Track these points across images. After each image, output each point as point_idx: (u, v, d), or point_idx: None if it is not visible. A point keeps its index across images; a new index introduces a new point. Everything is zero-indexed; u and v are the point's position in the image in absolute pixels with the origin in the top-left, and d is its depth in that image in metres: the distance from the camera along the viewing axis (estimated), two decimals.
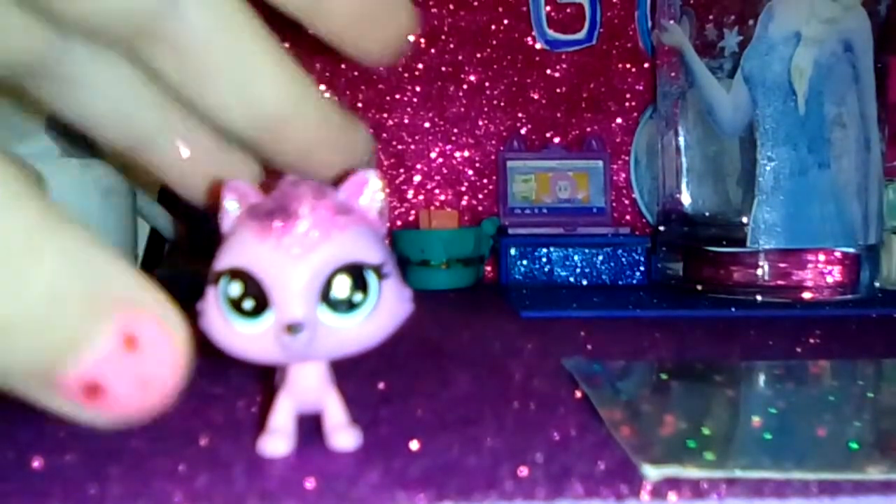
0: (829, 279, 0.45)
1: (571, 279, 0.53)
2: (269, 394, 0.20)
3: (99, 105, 0.21)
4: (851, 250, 0.45)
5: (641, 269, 0.53)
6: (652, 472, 0.17)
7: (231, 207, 0.19)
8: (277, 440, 0.18)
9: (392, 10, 0.22)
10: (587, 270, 0.53)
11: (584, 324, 0.37)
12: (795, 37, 0.43)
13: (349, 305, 0.17)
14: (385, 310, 0.18)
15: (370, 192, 0.19)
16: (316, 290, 0.17)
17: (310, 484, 0.17)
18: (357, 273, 0.17)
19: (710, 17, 0.46)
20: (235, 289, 0.17)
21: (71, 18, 0.18)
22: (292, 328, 0.17)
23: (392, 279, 0.18)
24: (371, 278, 0.18)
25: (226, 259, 0.18)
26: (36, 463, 0.18)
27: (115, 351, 0.14)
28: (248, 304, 0.17)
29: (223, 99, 0.20)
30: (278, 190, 0.18)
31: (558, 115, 0.60)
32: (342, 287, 0.17)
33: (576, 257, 0.53)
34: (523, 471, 0.17)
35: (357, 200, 0.19)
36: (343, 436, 0.19)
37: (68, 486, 0.17)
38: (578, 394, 0.24)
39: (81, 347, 0.14)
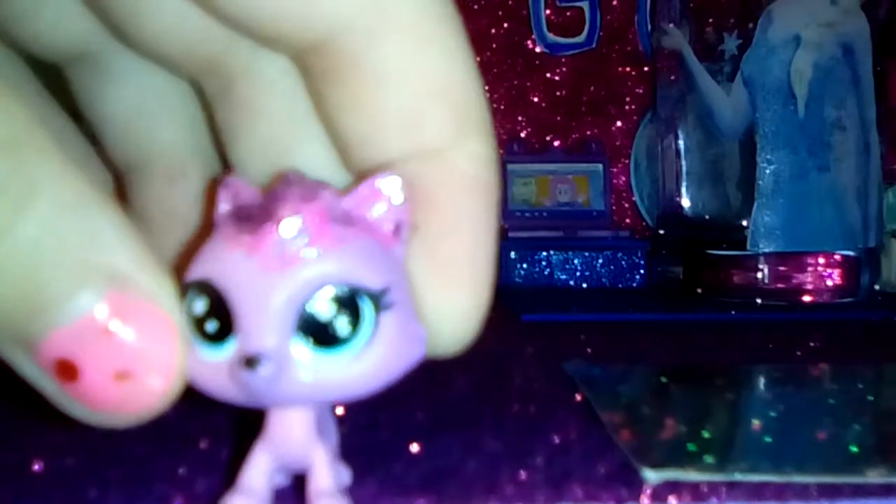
0: (829, 282, 0.45)
1: (571, 282, 0.53)
2: None
3: (121, 112, 0.19)
4: (851, 253, 0.45)
5: (641, 272, 0.53)
6: (652, 476, 0.17)
7: (222, 208, 0.15)
8: (244, 500, 0.14)
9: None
10: (587, 273, 0.53)
11: (584, 327, 0.37)
12: (795, 40, 0.43)
13: (333, 340, 0.14)
14: (382, 349, 0.14)
15: (387, 201, 0.15)
16: (291, 316, 0.13)
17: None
18: (348, 299, 0.14)
19: (710, 20, 0.46)
20: (200, 305, 0.14)
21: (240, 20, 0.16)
22: (250, 361, 0.13)
23: (398, 312, 0.14)
24: (366, 307, 0.14)
25: (194, 269, 0.14)
26: (36, 466, 0.18)
27: (93, 330, 0.13)
28: (212, 325, 0.14)
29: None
30: (269, 189, 0.14)
31: (558, 118, 0.60)
32: (325, 315, 0.13)
33: (576, 260, 0.53)
34: (523, 475, 0.17)
35: (367, 210, 0.15)
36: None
37: (69, 490, 0.17)
38: (578, 397, 0.24)
39: (58, 316, 0.13)
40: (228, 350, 0.14)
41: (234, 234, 0.14)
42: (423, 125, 0.16)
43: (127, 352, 0.13)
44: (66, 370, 0.13)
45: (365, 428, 0.20)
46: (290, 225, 0.13)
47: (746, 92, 0.44)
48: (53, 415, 0.18)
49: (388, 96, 0.16)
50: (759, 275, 0.45)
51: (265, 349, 0.13)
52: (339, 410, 0.22)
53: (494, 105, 0.59)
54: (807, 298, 0.44)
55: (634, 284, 0.53)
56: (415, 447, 0.19)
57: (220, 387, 0.14)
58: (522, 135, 0.59)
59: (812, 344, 0.33)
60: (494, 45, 0.59)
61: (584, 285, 0.53)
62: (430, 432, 0.20)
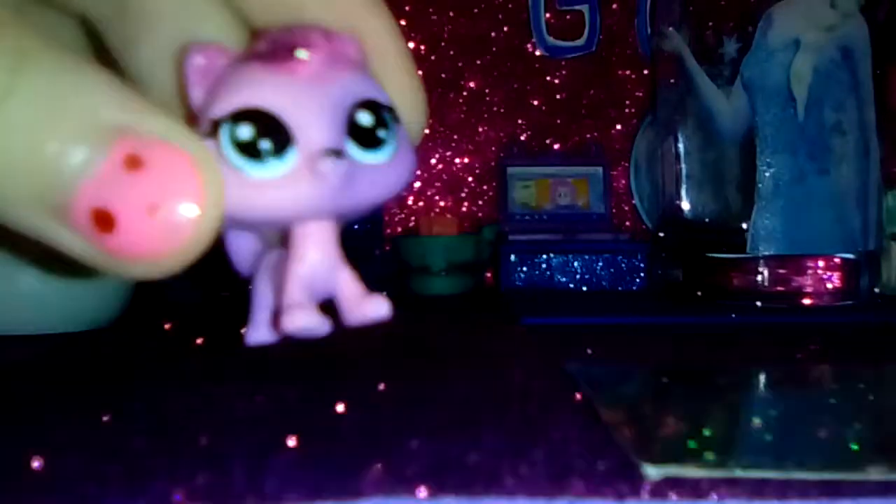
0: (829, 285, 0.45)
1: (571, 285, 0.53)
2: (271, 392, 0.20)
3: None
4: (851, 256, 0.45)
5: (641, 275, 0.53)
6: (652, 472, 0.17)
7: (202, 64, 0.16)
8: (306, 313, 0.16)
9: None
10: (587, 276, 0.53)
11: (585, 330, 0.37)
12: (794, 44, 0.43)
13: (376, 142, 0.16)
14: (403, 154, 0.17)
15: (355, 50, 0.17)
16: (342, 121, 0.16)
17: (309, 483, 0.17)
18: (378, 110, 0.16)
19: (710, 24, 0.46)
20: (245, 131, 0.15)
21: None
22: (334, 152, 0.15)
23: (402, 126, 0.17)
24: (389, 118, 0.16)
25: (224, 103, 0.15)
26: (36, 463, 0.18)
27: (117, 172, 0.13)
28: (268, 142, 0.15)
29: None
30: (267, 38, 0.16)
31: (558, 121, 0.60)
32: (366, 120, 0.16)
33: (576, 263, 0.53)
34: (524, 469, 0.17)
35: (353, 50, 0.17)
36: (372, 304, 0.17)
37: (68, 487, 0.17)
38: (579, 396, 0.24)
39: (80, 169, 0.13)
40: (290, 160, 0.15)
41: (268, 64, 0.15)
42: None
43: (153, 185, 0.14)
44: (103, 219, 0.14)
45: (366, 425, 0.20)
46: (322, 48, 0.15)
47: (746, 95, 0.44)
48: (53, 411, 0.18)
49: None
50: (759, 278, 0.45)
51: (337, 144, 0.15)
52: (340, 409, 0.22)
53: (494, 108, 0.60)
54: (806, 301, 0.44)
55: (634, 287, 0.53)
56: (415, 443, 0.19)
57: (288, 195, 0.15)
58: (522, 138, 0.60)
59: (812, 347, 0.33)
60: (494, 49, 0.59)
61: (584, 288, 0.53)
62: (431, 431, 0.20)
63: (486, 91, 0.59)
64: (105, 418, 0.21)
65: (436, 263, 0.52)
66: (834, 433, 0.20)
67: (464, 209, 0.60)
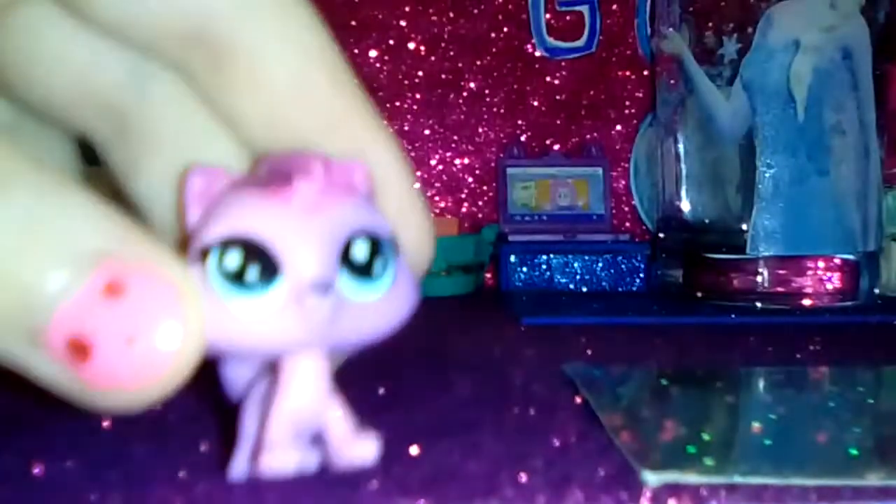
0: (829, 286, 0.45)
1: (571, 286, 0.53)
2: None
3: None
4: (851, 257, 0.45)
5: (641, 275, 0.53)
6: (652, 478, 0.17)
7: (201, 189, 0.16)
8: (285, 453, 0.15)
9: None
10: (587, 277, 0.53)
11: (584, 330, 0.37)
12: (794, 44, 0.43)
13: (371, 277, 0.15)
14: (402, 289, 0.16)
15: (359, 179, 0.17)
16: (336, 252, 0.15)
17: (309, 491, 0.17)
18: (376, 243, 0.15)
19: (710, 24, 0.46)
20: (233, 259, 0.14)
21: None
22: (321, 286, 0.14)
23: (403, 259, 0.16)
24: (388, 250, 0.16)
25: (214, 230, 0.15)
26: (36, 469, 0.18)
27: (95, 298, 0.13)
28: (254, 273, 0.14)
29: None
30: (266, 164, 0.16)
31: (558, 122, 0.60)
32: (362, 252, 0.15)
33: (576, 264, 0.53)
34: (523, 477, 0.17)
35: (353, 178, 0.16)
36: (361, 446, 0.16)
37: (69, 493, 0.17)
38: (578, 399, 0.24)
39: (58, 294, 0.13)
40: (277, 292, 0.14)
41: (263, 192, 0.15)
42: (311, 92, 0.17)
43: (132, 314, 0.13)
44: (78, 349, 0.13)
45: (366, 430, 0.20)
46: (321, 176, 0.15)
47: (746, 96, 0.44)
48: (53, 417, 0.18)
49: (273, 70, 0.17)
50: (759, 278, 0.45)
51: (327, 277, 0.14)
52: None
53: (494, 109, 0.60)
54: (806, 302, 0.44)
55: (634, 288, 0.53)
56: (415, 449, 0.19)
57: (272, 328, 0.15)
58: (522, 139, 0.60)
59: (812, 347, 0.33)
60: (494, 49, 0.59)
61: (584, 289, 0.53)
62: (430, 435, 0.20)
63: (486, 92, 0.59)
64: (105, 424, 0.21)
65: (436, 264, 0.51)
66: (833, 438, 0.20)
67: (463, 210, 0.60)
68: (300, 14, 0.17)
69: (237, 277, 0.14)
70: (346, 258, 0.15)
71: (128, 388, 0.14)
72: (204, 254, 0.15)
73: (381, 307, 0.16)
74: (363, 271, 0.15)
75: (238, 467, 0.17)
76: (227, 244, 0.15)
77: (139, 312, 0.13)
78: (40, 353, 0.13)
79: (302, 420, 0.16)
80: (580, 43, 0.59)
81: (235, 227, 0.15)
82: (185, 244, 0.15)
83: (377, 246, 0.15)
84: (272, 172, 0.15)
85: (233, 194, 0.15)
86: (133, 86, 0.18)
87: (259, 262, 0.14)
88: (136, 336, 0.13)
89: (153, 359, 0.13)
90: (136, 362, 0.13)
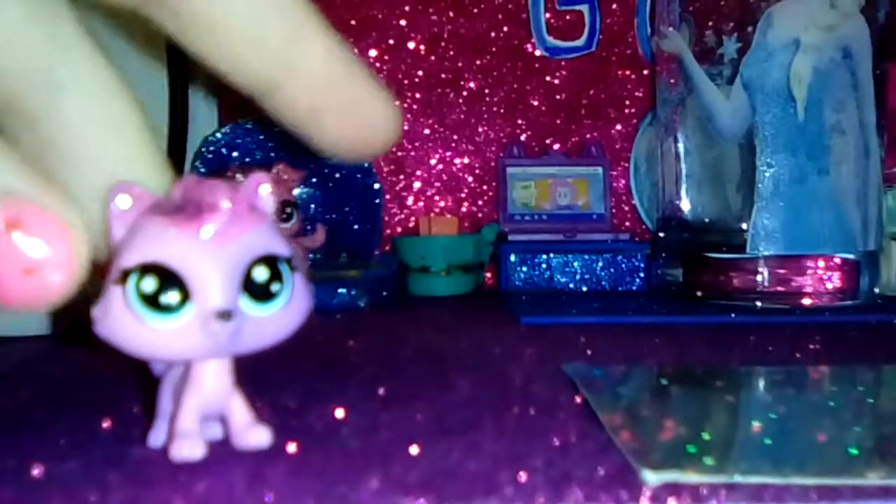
0: (829, 285, 0.45)
1: (571, 285, 0.53)
2: (270, 397, 0.20)
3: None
4: (851, 256, 0.45)
5: (641, 275, 0.53)
6: (651, 478, 0.17)
7: (124, 208, 0.18)
8: (192, 444, 0.18)
9: (364, 106, 0.20)
10: (587, 277, 0.53)
11: (584, 330, 0.37)
12: (794, 44, 0.43)
13: (269, 296, 0.18)
14: (297, 301, 0.18)
15: (265, 193, 0.19)
16: (238, 279, 0.17)
17: (310, 489, 0.17)
18: (273, 264, 0.18)
19: (710, 23, 0.46)
20: (149, 284, 0.17)
21: None
22: (223, 315, 0.17)
23: (299, 273, 0.19)
24: (285, 269, 0.18)
25: (134, 254, 0.17)
26: (36, 471, 0.18)
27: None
28: (168, 297, 0.17)
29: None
30: (180, 189, 0.18)
31: (558, 121, 0.60)
32: (261, 276, 0.17)
33: (575, 263, 0.53)
34: (523, 476, 0.17)
35: (256, 200, 0.18)
36: (255, 433, 0.19)
37: (68, 494, 0.17)
38: (578, 399, 0.24)
39: None
40: (184, 316, 0.17)
41: (175, 221, 0.17)
42: (267, 37, 0.19)
43: (29, 251, 0.15)
44: None
45: (366, 429, 0.20)
46: (227, 210, 0.17)
47: (746, 95, 0.44)
48: (53, 417, 0.18)
49: (233, 20, 0.18)
50: (759, 278, 0.45)
51: (230, 305, 0.17)
52: (340, 413, 0.22)
53: (494, 108, 0.60)
54: (806, 301, 0.44)
55: (634, 287, 0.53)
56: (415, 449, 0.19)
57: (183, 346, 0.17)
58: (522, 138, 0.60)
59: (812, 347, 0.33)
60: (494, 49, 0.59)
61: (584, 288, 0.53)
62: (430, 434, 0.20)
63: (486, 91, 0.59)
64: (105, 424, 0.21)
65: (435, 264, 0.52)
66: (833, 437, 0.20)
67: (464, 209, 0.60)
68: None
69: (152, 300, 0.17)
70: (247, 281, 0.17)
71: (24, 306, 0.16)
72: (124, 275, 0.17)
73: (278, 319, 0.18)
74: (262, 292, 0.17)
75: (155, 438, 0.19)
76: (144, 269, 0.17)
77: (35, 251, 0.15)
78: None
79: (207, 410, 0.18)
80: (580, 42, 0.59)
81: (152, 254, 0.17)
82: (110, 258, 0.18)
83: (275, 267, 0.18)
84: (185, 199, 0.17)
85: (150, 220, 0.17)
86: (41, 97, 0.18)
87: (172, 288, 0.17)
88: (31, 270, 0.15)
89: (46, 287, 0.15)
90: (32, 289, 0.15)
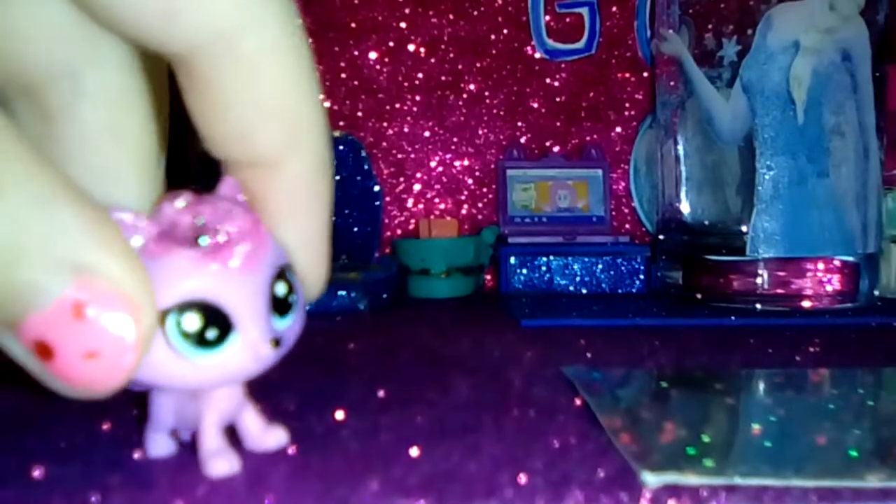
0: (829, 288, 0.45)
1: (571, 288, 0.53)
2: (270, 399, 0.20)
3: None
4: (850, 259, 0.45)
5: (641, 277, 0.53)
6: (651, 480, 0.17)
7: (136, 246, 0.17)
8: (227, 459, 0.18)
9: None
10: (587, 279, 0.53)
11: (584, 332, 0.37)
12: (794, 46, 0.44)
13: (288, 307, 0.18)
14: (301, 306, 0.19)
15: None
16: (268, 301, 0.17)
17: (310, 492, 0.17)
18: (285, 275, 0.18)
19: (709, 26, 0.46)
20: (192, 322, 0.16)
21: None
22: (278, 342, 0.17)
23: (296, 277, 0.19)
24: (292, 277, 0.18)
25: (169, 293, 0.16)
26: (37, 472, 0.18)
27: (64, 315, 0.14)
28: (213, 333, 0.16)
29: None
30: (189, 212, 0.17)
31: (558, 124, 0.60)
32: (282, 291, 0.18)
33: (575, 266, 0.53)
34: (523, 478, 0.17)
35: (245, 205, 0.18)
36: (274, 435, 0.19)
37: (69, 496, 0.17)
38: (578, 401, 0.24)
39: (32, 302, 0.14)
40: (230, 347, 0.17)
41: (196, 254, 0.16)
42: (256, 138, 0.18)
43: (95, 334, 0.15)
44: (44, 350, 0.14)
45: (366, 431, 0.20)
46: (242, 234, 0.17)
47: (745, 98, 0.44)
48: (54, 419, 0.17)
49: (227, 111, 0.18)
50: (759, 280, 0.45)
51: (277, 331, 0.17)
52: (340, 415, 0.22)
53: (494, 111, 0.60)
54: (806, 304, 0.44)
55: (634, 290, 0.53)
56: (415, 451, 0.19)
57: (232, 374, 0.17)
58: (522, 140, 0.60)
59: (811, 349, 0.33)
60: (494, 51, 0.59)
61: (584, 291, 0.53)
62: (430, 436, 0.20)
63: (486, 93, 0.59)
64: (105, 427, 0.21)
65: (435, 266, 0.52)
66: (833, 440, 0.20)
67: (463, 212, 0.60)
68: (281, 61, 0.18)
69: (196, 337, 0.16)
70: (273, 300, 0.17)
71: (84, 390, 0.15)
72: (162, 315, 0.16)
73: (295, 326, 0.18)
74: (284, 305, 0.18)
75: (155, 449, 0.19)
76: (183, 308, 0.16)
77: (101, 334, 0.15)
78: (13, 338, 0.15)
79: (223, 423, 0.18)
80: (580, 45, 0.59)
81: (189, 291, 0.16)
82: None
83: (288, 279, 0.18)
84: (199, 226, 0.17)
85: (172, 253, 0.16)
86: (61, 93, 0.18)
87: (216, 323, 0.16)
88: (95, 353, 0.15)
89: (107, 372, 0.15)
90: (92, 373, 0.15)
